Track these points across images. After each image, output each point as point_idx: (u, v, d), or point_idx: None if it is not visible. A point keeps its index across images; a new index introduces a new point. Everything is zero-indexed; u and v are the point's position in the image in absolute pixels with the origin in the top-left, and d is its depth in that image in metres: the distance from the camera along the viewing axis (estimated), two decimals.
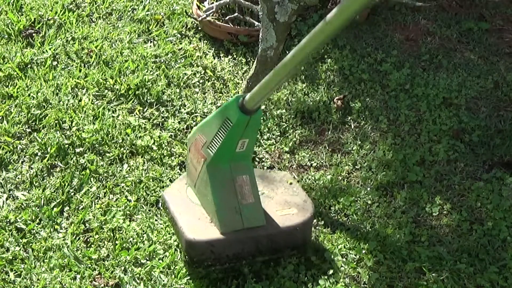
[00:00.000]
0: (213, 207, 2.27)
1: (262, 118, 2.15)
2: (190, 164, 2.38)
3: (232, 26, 3.40)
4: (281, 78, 1.96)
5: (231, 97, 3.09)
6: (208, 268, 2.28)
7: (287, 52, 3.36)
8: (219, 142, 2.21)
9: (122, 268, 2.37)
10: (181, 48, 3.34)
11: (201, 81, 3.18)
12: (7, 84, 3.04)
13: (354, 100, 3.13)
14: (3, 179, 2.63)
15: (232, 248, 2.28)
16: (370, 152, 2.91)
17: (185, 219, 2.29)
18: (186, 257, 2.32)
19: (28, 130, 2.84)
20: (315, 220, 2.59)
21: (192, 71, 3.21)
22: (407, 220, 2.63)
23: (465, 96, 3.17)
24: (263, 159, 2.85)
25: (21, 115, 2.88)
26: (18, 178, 2.64)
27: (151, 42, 3.37)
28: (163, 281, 2.34)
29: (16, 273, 2.33)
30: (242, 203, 2.27)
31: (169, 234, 2.50)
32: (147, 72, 3.15)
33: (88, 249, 2.42)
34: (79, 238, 2.46)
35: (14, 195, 2.59)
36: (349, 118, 3.06)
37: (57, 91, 3.02)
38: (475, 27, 3.58)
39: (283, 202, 2.39)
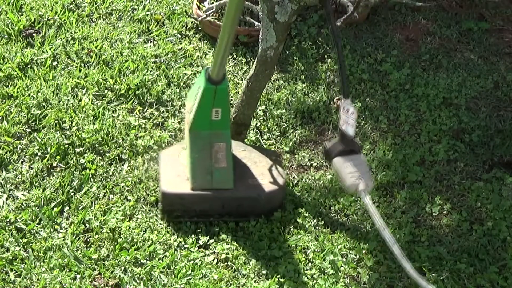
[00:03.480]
0: (189, 165, 2.53)
1: (228, 88, 2.49)
2: (185, 128, 2.69)
3: None
4: (225, 42, 2.28)
5: (231, 97, 3.09)
6: (177, 218, 2.54)
7: (287, 52, 3.36)
8: (196, 109, 2.47)
9: (122, 268, 2.37)
10: (181, 48, 3.34)
11: None
12: (7, 84, 3.04)
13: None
14: (3, 179, 2.63)
15: (200, 204, 2.52)
16: (370, 152, 2.91)
17: (166, 174, 2.57)
18: (161, 206, 2.55)
19: (28, 130, 2.84)
20: (315, 220, 2.60)
21: (192, 71, 3.21)
22: (407, 220, 2.63)
23: (465, 96, 3.17)
24: None
25: (21, 115, 2.88)
26: (18, 178, 2.64)
27: (151, 42, 3.37)
28: (163, 281, 2.34)
29: (16, 273, 2.34)
30: (215, 166, 2.52)
31: (169, 234, 2.50)
32: (147, 72, 3.15)
33: (88, 249, 2.42)
34: (79, 238, 2.46)
35: (14, 195, 2.59)
36: None
37: (57, 91, 3.02)
38: (475, 27, 3.58)
39: (259, 173, 2.60)
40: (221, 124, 2.52)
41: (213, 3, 3.46)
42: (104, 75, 3.11)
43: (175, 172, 2.56)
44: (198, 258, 2.42)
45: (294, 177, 2.79)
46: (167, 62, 3.24)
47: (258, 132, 2.94)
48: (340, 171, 2.17)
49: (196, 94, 2.47)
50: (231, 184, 2.53)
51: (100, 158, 2.76)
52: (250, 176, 2.59)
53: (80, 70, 3.13)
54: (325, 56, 3.35)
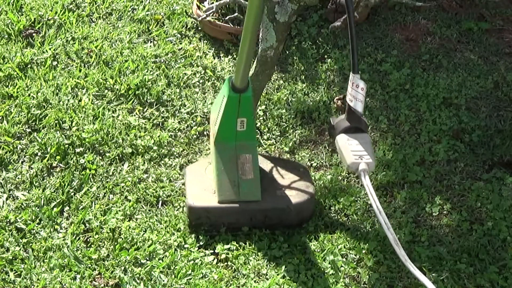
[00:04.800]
0: (215, 178, 2.49)
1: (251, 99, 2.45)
2: (210, 141, 2.66)
3: (232, 26, 3.40)
4: (247, 49, 2.23)
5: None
6: (205, 233, 2.50)
7: (287, 52, 3.36)
8: (220, 119, 2.45)
9: (122, 268, 2.37)
10: (181, 48, 3.34)
11: (201, 81, 3.18)
12: (7, 84, 3.04)
13: None
14: (3, 179, 2.63)
15: (227, 217, 2.48)
16: None
17: (193, 188, 2.53)
18: (189, 221, 2.51)
19: (28, 130, 2.84)
20: (315, 220, 2.59)
21: (192, 71, 3.21)
22: (407, 220, 2.63)
23: (465, 96, 3.17)
24: None
25: (21, 115, 2.88)
26: (18, 178, 2.64)
27: (151, 42, 3.37)
28: (163, 281, 2.34)
29: (16, 273, 2.34)
30: (241, 178, 2.48)
31: (169, 234, 2.50)
32: (147, 72, 3.15)
33: (88, 249, 2.42)
34: (79, 238, 2.46)
35: (14, 195, 2.59)
36: None
37: (57, 91, 3.02)
38: (475, 27, 3.58)
39: (287, 185, 2.56)
40: (246, 135, 2.49)
41: (213, 3, 3.45)
42: (104, 75, 3.11)
43: (201, 186, 2.53)
44: (198, 258, 2.42)
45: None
46: (167, 62, 3.24)
47: (258, 132, 2.94)
48: (342, 149, 2.11)
49: (220, 105, 2.44)
50: (258, 196, 2.49)
51: (100, 158, 2.76)
52: (277, 187, 2.56)
53: (80, 70, 3.13)
54: (325, 56, 3.35)
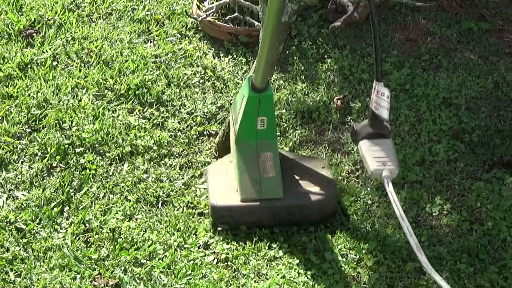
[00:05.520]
0: (237, 177, 2.52)
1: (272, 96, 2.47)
2: (230, 140, 2.67)
3: (232, 26, 3.40)
4: (267, 49, 2.24)
5: (231, 97, 3.10)
6: (228, 231, 2.50)
7: (287, 52, 3.36)
8: (241, 119, 2.47)
9: (122, 268, 2.37)
10: (181, 48, 3.34)
11: (201, 81, 3.18)
12: (7, 84, 3.04)
13: (354, 100, 3.13)
14: (3, 179, 2.63)
15: (250, 215, 2.50)
16: None
17: (215, 187, 2.55)
18: (212, 220, 2.53)
19: (28, 130, 2.84)
20: None
21: (192, 71, 3.21)
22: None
23: (465, 96, 3.17)
24: None
25: (21, 115, 2.88)
26: (18, 178, 2.64)
27: (151, 42, 3.37)
28: (163, 281, 2.34)
29: (16, 273, 2.34)
30: (263, 176, 2.50)
31: (169, 234, 2.50)
32: (147, 72, 3.15)
33: (88, 249, 2.42)
34: (79, 238, 2.46)
35: (14, 195, 2.59)
36: (349, 118, 3.06)
37: (57, 91, 3.02)
38: (475, 27, 3.58)
39: (309, 182, 2.57)
40: (267, 133, 2.51)
41: (213, 3, 3.46)
42: (104, 75, 3.11)
43: (223, 185, 2.55)
44: (198, 258, 2.42)
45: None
46: (167, 62, 3.24)
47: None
48: (365, 155, 2.13)
49: (241, 104, 2.46)
50: (280, 194, 2.50)
51: (100, 158, 2.76)
52: (299, 184, 2.57)
53: (80, 70, 3.13)
54: (325, 56, 3.35)
